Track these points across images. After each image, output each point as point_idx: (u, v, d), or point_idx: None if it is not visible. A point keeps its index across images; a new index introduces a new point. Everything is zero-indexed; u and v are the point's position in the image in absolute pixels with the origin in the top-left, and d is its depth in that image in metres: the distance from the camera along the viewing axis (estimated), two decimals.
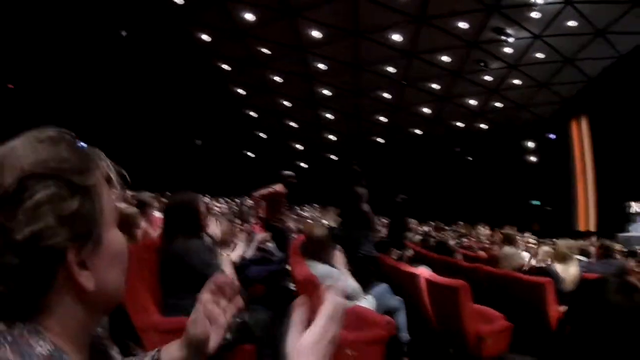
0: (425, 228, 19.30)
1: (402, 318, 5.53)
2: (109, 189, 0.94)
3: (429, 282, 5.78)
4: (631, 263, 10.69)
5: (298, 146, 31.62)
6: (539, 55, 21.24)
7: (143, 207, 6.59)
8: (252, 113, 28.40)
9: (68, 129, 0.94)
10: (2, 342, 0.79)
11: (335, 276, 5.27)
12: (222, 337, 1.17)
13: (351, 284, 5.34)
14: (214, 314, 1.15)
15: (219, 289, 1.18)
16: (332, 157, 32.37)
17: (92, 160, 0.92)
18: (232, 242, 5.85)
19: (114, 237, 0.95)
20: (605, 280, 1.72)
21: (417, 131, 29.76)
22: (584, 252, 9.21)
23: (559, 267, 6.51)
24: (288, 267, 6.18)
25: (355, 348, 4.04)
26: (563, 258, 6.62)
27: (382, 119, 28.67)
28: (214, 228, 4.21)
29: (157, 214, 7.07)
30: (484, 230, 19.98)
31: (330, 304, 1.01)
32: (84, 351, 0.93)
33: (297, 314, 1.02)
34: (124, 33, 18.62)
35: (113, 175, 0.96)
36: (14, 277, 0.81)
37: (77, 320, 0.88)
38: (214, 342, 1.14)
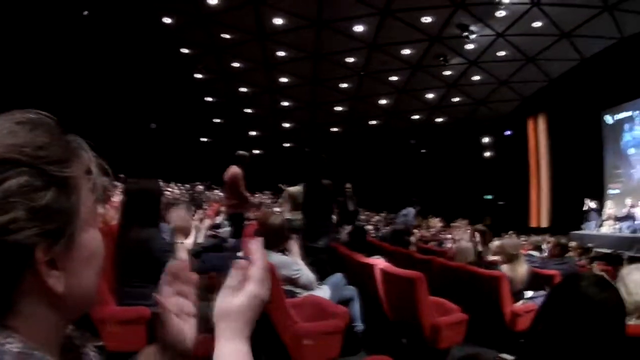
0: (377, 218, 19.54)
1: (356, 308, 5.56)
2: (89, 182, 0.86)
3: (385, 272, 5.80)
4: (583, 261, 10.93)
5: (253, 133, 31.43)
6: (501, 53, 21.41)
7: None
8: (209, 98, 28.08)
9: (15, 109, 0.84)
10: None
11: (290, 265, 5.27)
12: (196, 323, 1.11)
13: (306, 273, 5.35)
14: (178, 305, 1.09)
15: (175, 276, 1.11)
16: (287, 144, 32.32)
17: (73, 151, 0.84)
18: (189, 229, 5.79)
19: (91, 237, 0.86)
20: (581, 276, 1.74)
21: (375, 122, 29.85)
22: (537, 248, 9.27)
23: (506, 267, 6.43)
24: (242, 255, 6.15)
25: (313, 338, 4.05)
26: (510, 258, 6.52)
27: (340, 108, 28.66)
28: (176, 217, 4.11)
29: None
30: (435, 222, 20.27)
31: (258, 268, 1.06)
32: (55, 353, 0.85)
33: (234, 277, 1.05)
34: (85, 12, 18.09)
35: (95, 168, 0.88)
36: None
37: (46, 323, 0.81)
38: (190, 333, 1.09)
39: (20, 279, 0.76)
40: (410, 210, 13.62)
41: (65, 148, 0.82)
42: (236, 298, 1.03)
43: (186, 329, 1.09)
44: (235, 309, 1.02)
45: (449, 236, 14.64)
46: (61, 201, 0.79)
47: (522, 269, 6.44)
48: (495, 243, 8.16)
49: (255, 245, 1.10)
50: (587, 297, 1.62)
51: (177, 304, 1.09)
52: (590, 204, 19.34)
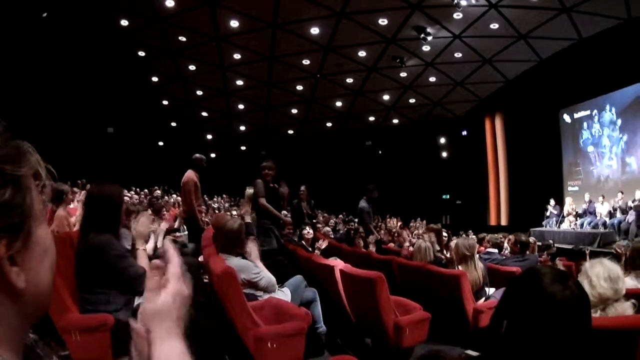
0: (335, 220, 19.53)
1: (317, 309, 5.57)
2: (37, 185, 0.86)
3: (344, 273, 5.78)
4: (543, 257, 11.02)
5: (208, 136, 31.13)
6: (458, 54, 21.50)
7: (61, 196, 6.44)
8: (164, 101, 27.71)
9: None
10: None
11: (251, 269, 5.25)
12: None
13: (267, 276, 5.34)
14: None
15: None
16: (242, 148, 32.11)
17: (22, 153, 0.84)
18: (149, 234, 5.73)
19: (44, 232, 0.87)
20: (541, 271, 1.74)
21: (331, 124, 29.84)
22: (497, 246, 9.26)
23: (461, 268, 6.35)
24: (200, 259, 6.13)
25: (276, 341, 4.03)
26: (464, 259, 6.45)
27: (296, 110, 28.58)
28: (139, 223, 4.09)
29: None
30: (393, 223, 20.37)
31: (175, 265, 1.09)
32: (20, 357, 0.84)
33: (151, 278, 1.08)
34: (44, 14, 17.67)
35: (42, 171, 0.88)
36: None
37: (8, 324, 0.79)
38: None
39: None
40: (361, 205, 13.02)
41: (17, 149, 0.83)
42: (160, 298, 1.05)
43: None
44: (161, 309, 1.04)
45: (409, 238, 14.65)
46: (18, 198, 0.79)
47: (476, 270, 6.40)
48: (452, 243, 8.18)
49: (168, 245, 1.14)
50: (550, 294, 1.62)
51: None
52: (553, 209, 19.72)
